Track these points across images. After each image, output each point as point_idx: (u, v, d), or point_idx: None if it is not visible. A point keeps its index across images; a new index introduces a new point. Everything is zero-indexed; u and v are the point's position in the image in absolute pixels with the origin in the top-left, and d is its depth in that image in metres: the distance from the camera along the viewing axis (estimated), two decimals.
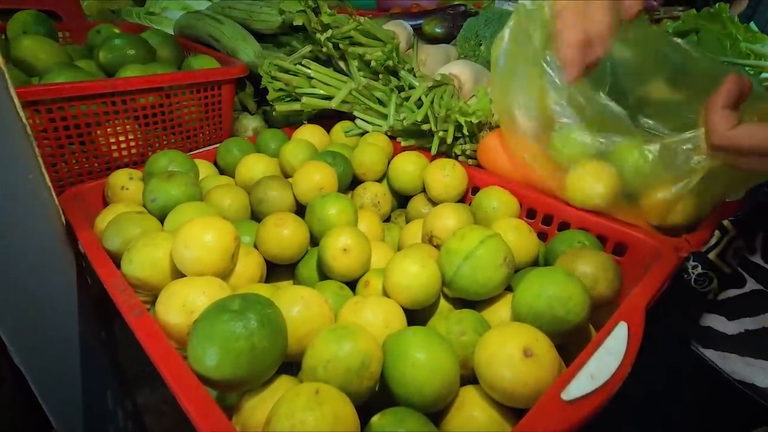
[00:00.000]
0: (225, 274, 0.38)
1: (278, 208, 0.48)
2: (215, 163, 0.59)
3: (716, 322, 0.46)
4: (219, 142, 0.63)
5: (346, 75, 0.64)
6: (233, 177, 0.57)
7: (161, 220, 0.43)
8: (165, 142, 0.60)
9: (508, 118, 0.49)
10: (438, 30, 0.88)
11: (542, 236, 0.49)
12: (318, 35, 0.59)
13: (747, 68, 1.35)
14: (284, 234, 0.42)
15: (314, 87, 0.61)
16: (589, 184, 0.44)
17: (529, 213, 0.50)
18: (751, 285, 0.46)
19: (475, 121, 0.53)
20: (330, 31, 0.59)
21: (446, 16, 0.92)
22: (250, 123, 0.69)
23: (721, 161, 0.36)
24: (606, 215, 0.45)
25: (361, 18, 0.63)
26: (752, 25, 0.99)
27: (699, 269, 0.52)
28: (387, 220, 0.58)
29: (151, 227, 0.41)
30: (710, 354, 0.45)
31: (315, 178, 0.49)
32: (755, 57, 1.36)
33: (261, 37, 0.70)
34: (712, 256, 0.51)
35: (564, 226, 0.48)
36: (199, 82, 0.59)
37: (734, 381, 0.43)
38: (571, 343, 0.33)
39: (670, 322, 0.49)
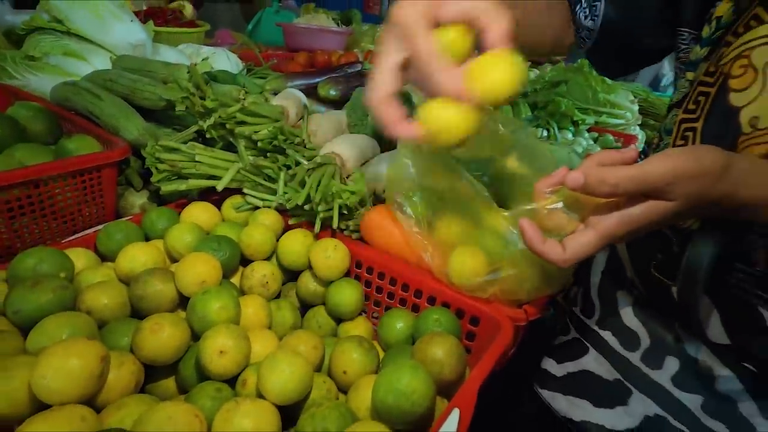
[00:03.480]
0: (94, 394, 0.38)
1: (160, 304, 0.49)
2: (96, 249, 0.58)
3: (550, 365, 0.55)
4: (102, 222, 0.61)
5: (235, 152, 0.66)
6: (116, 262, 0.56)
7: (27, 332, 0.42)
8: (37, 231, 0.57)
9: (396, 204, 0.55)
10: (332, 93, 0.93)
11: (416, 307, 0.55)
12: (202, 122, 0.61)
13: (605, 116, 1.56)
14: (162, 338, 0.43)
15: (200, 166, 0.63)
16: (459, 267, 0.51)
17: (403, 287, 0.56)
18: (573, 333, 0.56)
19: (352, 203, 0.58)
20: (213, 117, 0.61)
21: (341, 78, 0.97)
22: (137, 200, 0.68)
23: None
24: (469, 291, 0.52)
25: (247, 99, 0.66)
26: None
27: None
28: (278, 296, 0.60)
29: (10, 348, 0.39)
30: (545, 394, 0.54)
31: (197, 270, 0.50)
32: (611, 106, 1.59)
33: (147, 111, 0.70)
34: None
35: (432, 300, 0.54)
36: (75, 170, 0.58)
37: (561, 418, 0.51)
38: (420, 427, 0.39)
39: (520, 368, 0.57)
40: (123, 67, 0.74)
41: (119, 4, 1.10)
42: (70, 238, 0.57)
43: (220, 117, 0.61)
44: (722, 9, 0.42)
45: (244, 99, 0.65)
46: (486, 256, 0.50)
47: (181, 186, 0.62)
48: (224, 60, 1.35)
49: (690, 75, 0.45)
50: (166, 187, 0.62)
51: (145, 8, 1.62)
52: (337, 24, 2.03)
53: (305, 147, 0.70)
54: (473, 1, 0.33)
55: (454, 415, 0.36)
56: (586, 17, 0.52)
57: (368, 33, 1.93)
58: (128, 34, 1.01)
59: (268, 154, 0.65)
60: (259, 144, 0.63)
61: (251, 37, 2.02)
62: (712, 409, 0.42)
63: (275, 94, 0.89)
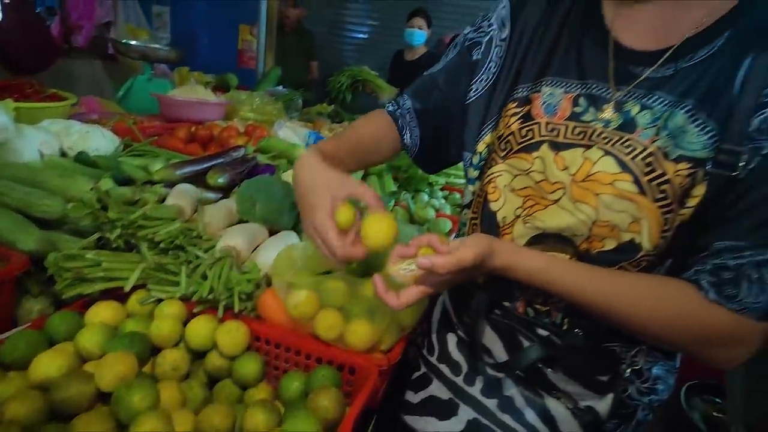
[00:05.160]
0: None
1: (82, 404, 0.56)
2: None
3: (410, 395, 0.76)
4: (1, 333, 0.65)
5: (138, 252, 0.75)
6: (23, 370, 0.60)
7: None
8: None
9: (279, 286, 0.71)
10: (221, 181, 1.06)
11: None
12: (107, 234, 0.70)
13: (453, 176, 1.88)
14: None
15: (106, 271, 0.71)
16: (325, 329, 0.68)
17: (296, 352, 0.71)
18: (423, 368, 0.77)
19: (248, 290, 0.72)
20: (118, 229, 0.70)
21: (227, 166, 1.10)
22: (34, 305, 0.71)
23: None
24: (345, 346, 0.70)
25: (147, 205, 0.76)
26: None
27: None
28: (188, 376, 0.70)
29: None
30: (408, 418, 0.73)
31: (116, 369, 0.59)
32: (455, 168, 1.92)
33: (45, 221, 0.75)
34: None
35: (320, 359, 0.70)
36: None
37: None
38: None
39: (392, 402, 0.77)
40: (11, 178, 0.78)
41: None
42: None
43: (122, 227, 0.71)
44: (482, 147, 0.68)
45: (144, 205, 0.75)
46: (342, 314, 0.69)
47: (87, 290, 0.69)
48: (99, 138, 1.31)
49: (471, 187, 0.71)
50: (71, 292, 0.69)
51: None
52: (214, 92, 2.13)
53: (201, 239, 0.82)
54: (351, 183, 0.57)
55: None
56: (409, 138, 0.77)
57: (246, 102, 2.06)
58: None
59: (170, 251, 0.76)
60: (161, 245, 0.74)
61: (122, 105, 2.00)
62: (502, 406, 0.66)
63: (167, 185, 0.99)
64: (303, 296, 0.69)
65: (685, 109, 0.51)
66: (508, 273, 0.56)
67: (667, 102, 0.52)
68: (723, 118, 0.49)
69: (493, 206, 0.65)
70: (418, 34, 3.06)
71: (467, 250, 0.53)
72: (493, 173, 0.65)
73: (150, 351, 0.67)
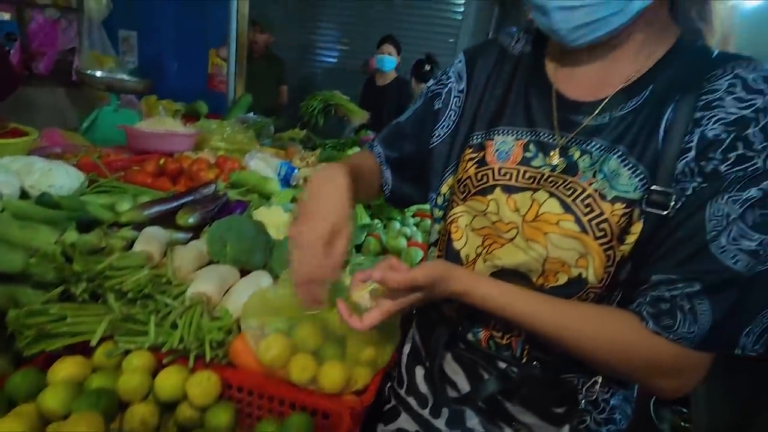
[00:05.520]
0: None
1: None
2: None
3: (380, 428, 0.77)
4: None
5: (105, 302, 0.74)
6: None
7: None
8: None
9: (250, 334, 0.71)
10: (191, 221, 1.05)
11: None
12: (72, 288, 0.68)
13: None
14: None
15: (70, 325, 0.69)
16: (298, 374, 0.69)
17: (269, 399, 0.71)
18: (393, 401, 0.78)
19: (219, 338, 0.72)
20: (84, 283, 0.69)
21: (197, 205, 1.10)
22: None
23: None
24: (317, 392, 0.70)
25: (114, 254, 0.75)
26: None
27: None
28: (158, 429, 0.69)
29: None
30: None
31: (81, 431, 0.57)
32: None
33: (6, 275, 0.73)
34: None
35: (293, 405, 0.70)
36: None
37: None
38: None
39: None
40: None
41: None
42: None
43: (88, 279, 0.70)
44: (445, 189, 0.72)
45: (111, 252, 0.74)
46: (315, 357, 0.70)
47: (50, 346, 0.67)
48: (63, 175, 1.27)
49: (437, 227, 0.74)
50: (33, 350, 0.67)
51: None
52: (184, 121, 2.11)
53: (171, 284, 0.81)
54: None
55: None
56: (384, 179, 0.80)
57: (217, 131, 2.05)
58: None
59: (138, 300, 0.75)
60: (129, 295, 0.73)
61: (87, 137, 1.95)
62: None
63: (135, 227, 0.98)
64: (274, 342, 0.70)
65: (618, 154, 0.56)
66: (466, 298, 0.60)
67: (602, 147, 0.58)
68: (651, 162, 0.55)
69: (456, 245, 0.68)
70: (388, 60, 3.14)
71: (420, 270, 0.58)
72: (455, 214, 0.69)
73: (118, 406, 0.66)
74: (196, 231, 1.08)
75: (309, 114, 3.05)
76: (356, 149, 2.26)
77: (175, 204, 1.12)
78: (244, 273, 0.94)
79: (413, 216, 1.69)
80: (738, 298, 0.51)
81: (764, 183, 0.50)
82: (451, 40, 4.00)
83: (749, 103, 0.51)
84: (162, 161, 1.61)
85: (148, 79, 2.04)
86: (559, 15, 0.55)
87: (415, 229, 1.58)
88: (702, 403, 1.68)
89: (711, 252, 0.51)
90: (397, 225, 1.53)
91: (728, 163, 0.51)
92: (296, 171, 1.71)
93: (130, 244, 0.91)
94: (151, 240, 0.86)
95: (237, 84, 2.92)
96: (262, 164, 1.63)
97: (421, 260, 1.33)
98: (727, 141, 0.51)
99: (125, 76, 2.01)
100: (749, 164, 0.50)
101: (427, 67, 3.19)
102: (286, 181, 1.68)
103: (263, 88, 3.43)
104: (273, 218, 1.09)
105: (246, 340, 0.74)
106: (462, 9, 3.95)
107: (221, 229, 0.95)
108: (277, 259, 0.98)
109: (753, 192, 0.50)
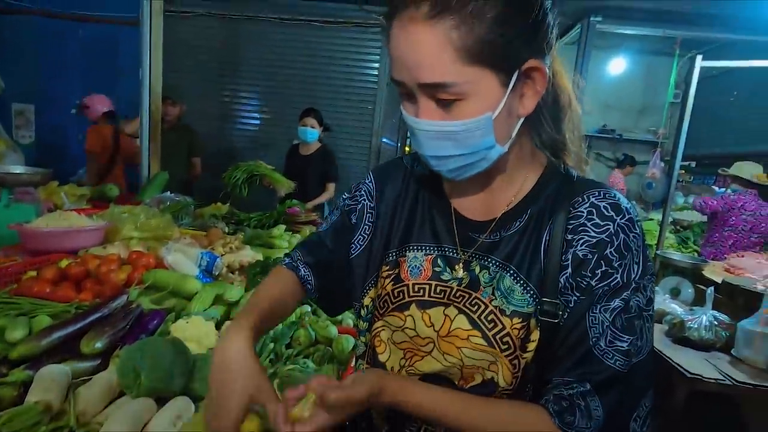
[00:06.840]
0: None
1: None
2: None
3: None
4: None
5: None
6: None
7: None
8: None
9: None
10: (98, 346, 0.96)
11: None
12: None
13: None
14: None
15: None
16: None
17: None
18: None
19: None
20: None
21: (107, 326, 1.01)
22: None
23: None
24: None
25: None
26: None
27: None
28: None
29: None
30: None
31: None
32: None
33: None
34: None
35: None
36: None
37: None
38: None
39: None
40: None
41: None
42: None
43: None
44: (367, 301, 0.75)
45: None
46: None
47: None
48: None
49: (362, 338, 0.76)
50: None
51: None
52: (92, 206, 1.96)
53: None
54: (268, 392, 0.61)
55: None
56: (310, 286, 0.81)
57: (129, 219, 1.93)
58: None
59: None
60: None
61: None
62: None
63: (30, 367, 0.88)
64: None
65: (510, 272, 0.64)
66: (399, 408, 0.62)
67: (498, 263, 0.65)
68: (538, 280, 0.63)
69: (381, 357, 0.71)
70: (310, 133, 3.23)
71: (358, 387, 0.58)
72: (377, 328, 0.72)
73: None
74: (105, 356, 0.99)
75: (232, 185, 2.98)
76: (281, 227, 2.25)
77: (79, 325, 1.02)
78: (161, 400, 0.87)
79: None
80: (622, 391, 0.60)
81: (624, 294, 0.60)
82: (370, 107, 4.23)
83: (604, 228, 0.62)
84: (64, 263, 1.48)
85: (47, 170, 1.89)
86: (434, 161, 0.63)
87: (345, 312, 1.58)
88: None
89: (595, 355, 0.60)
90: None
91: (596, 279, 0.61)
92: (218, 259, 1.65)
93: (25, 387, 0.81)
94: (49, 385, 0.77)
95: (151, 162, 2.80)
96: (181, 257, 1.56)
97: (350, 373, 1.33)
98: (593, 261, 0.61)
99: (20, 169, 1.83)
100: (611, 279, 0.60)
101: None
102: (208, 272, 1.61)
103: (175, 159, 3.32)
104: (193, 331, 1.04)
105: None
106: (376, 79, 4.21)
107: (133, 356, 0.88)
108: (200, 380, 0.92)
109: (617, 302, 0.60)
